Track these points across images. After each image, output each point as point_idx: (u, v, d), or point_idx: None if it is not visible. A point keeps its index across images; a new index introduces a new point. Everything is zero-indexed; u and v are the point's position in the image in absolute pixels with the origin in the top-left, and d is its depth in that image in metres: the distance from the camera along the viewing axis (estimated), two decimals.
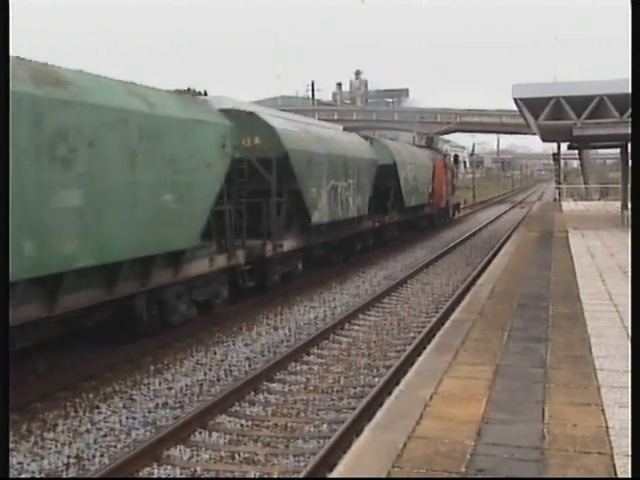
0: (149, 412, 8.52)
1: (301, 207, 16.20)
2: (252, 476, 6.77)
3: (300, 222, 16.45)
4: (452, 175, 39.27)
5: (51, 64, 8.90)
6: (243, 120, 14.41)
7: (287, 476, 6.76)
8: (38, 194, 7.96)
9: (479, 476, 4.70)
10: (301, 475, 6.48)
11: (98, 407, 8.62)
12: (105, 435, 7.81)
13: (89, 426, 8.03)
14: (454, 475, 4.68)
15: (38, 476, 6.86)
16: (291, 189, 15.71)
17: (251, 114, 15.58)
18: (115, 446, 7.53)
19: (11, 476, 6.64)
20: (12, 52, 5.56)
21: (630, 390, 5.39)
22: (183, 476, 6.85)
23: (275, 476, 6.79)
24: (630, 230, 6.66)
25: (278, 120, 16.56)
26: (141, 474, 6.86)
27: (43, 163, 8.04)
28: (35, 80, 8.08)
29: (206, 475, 6.85)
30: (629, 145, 32.00)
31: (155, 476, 6.88)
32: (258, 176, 14.73)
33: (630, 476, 4.47)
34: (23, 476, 6.82)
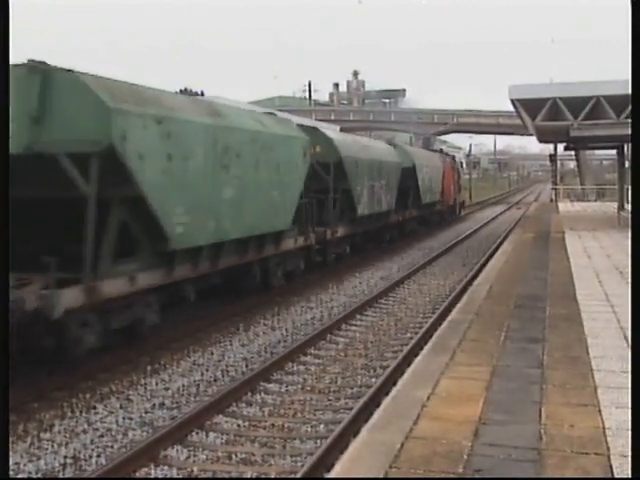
0: (146, 412, 8.51)
1: (350, 202, 19.82)
2: (249, 476, 6.77)
3: (349, 214, 20.07)
4: (458, 176, 43.00)
5: (212, 100, 13.90)
6: (309, 133, 17.13)
7: (284, 476, 6.77)
8: (215, 190, 11.67)
9: (476, 476, 4.70)
10: (298, 475, 6.48)
11: (95, 407, 8.61)
12: (102, 435, 7.80)
13: (86, 426, 8.02)
14: (451, 476, 4.69)
15: (35, 476, 6.85)
16: (343, 188, 19.25)
17: (315, 129, 19.20)
18: (112, 446, 7.52)
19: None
20: (12, 52, 5.54)
21: (630, 390, 5.40)
22: (180, 476, 6.86)
23: (272, 476, 6.79)
24: (630, 231, 6.67)
25: (333, 133, 20.79)
26: (138, 474, 6.85)
27: (217, 169, 11.70)
28: (210, 114, 11.85)
29: (203, 475, 6.85)
30: (626, 146, 32.12)
31: (152, 476, 6.88)
32: (318, 177, 17.91)
33: (630, 476, 4.48)
34: (20, 476, 6.82)
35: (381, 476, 4.72)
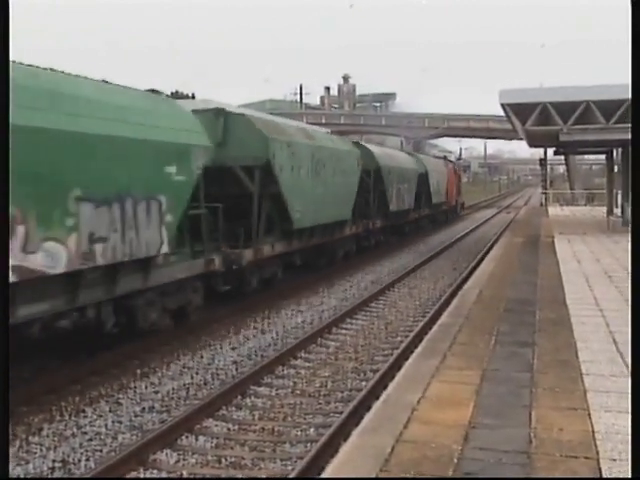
0: (135, 416, 8.49)
1: (384, 200, 24.94)
2: None
3: (382, 210, 25.02)
4: (459, 180, 48.34)
5: (306, 126, 21.35)
6: (357, 147, 22.94)
7: (278, 476, 6.76)
8: (313, 189, 17.09)
9: (467, 476, 4.71)
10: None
11: (84, 411, 8.57)
12: (91, 439, 7.77)
13: (75, 430, 7.99)
14: (443, 475, 4.69)
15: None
16: (379, 189, 24.42)
17: (359, 144, 24.72)
18: (101, 450, 7.49)
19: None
20: (12, 52, 5.53)
21: (630, 390, 5.41)
22: (182, 476, 6.84)
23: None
24: (630, 232, 6.69)
25: (374, 147, 26.71)
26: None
27: (313, 175, 17.17)
28: (308, 137, 17.70)
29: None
30: (615, 151, 32.28)
31: (152, 477, 6.86)
32: (363, 181, 22.55)
33: (630, 476, 4.50)
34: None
35: (374, 475, 4.72)
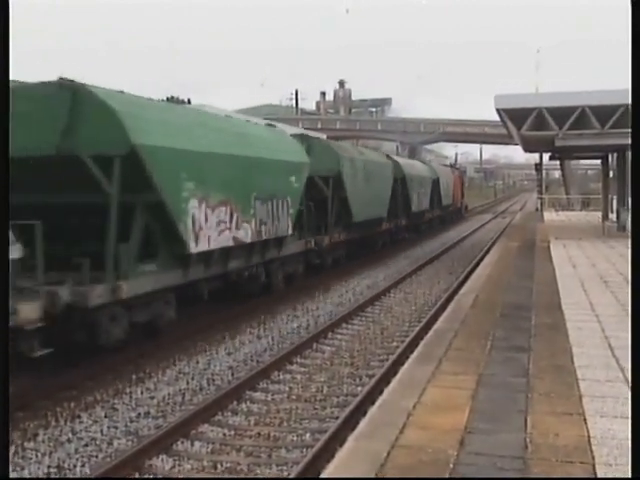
0: (131, 421, 8.47)
1: (408, 203, 30.20)
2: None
3: (406, 210, 30.16)
4: (462, 185, 55.48)
5: (355, 146, 32.42)
6: (389, 158, 28.76)
7: (279, 476, 6.76)
8: (365, 193, 22.43)
9: (467, 476, 4.72)
10: None
11: (79, 416, 8.56)
12: (86, 445, 7.76)
13: (70, 435, 7.97)
14: (442, 476, 4.70)
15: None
16: (404, 193, 29.54)
17: (389, 156, 29.76)
18: (96, 456, 7.48)
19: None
20: (12, 52, 5.53)
21: (630, 389, 5.40)
22: (181, 476, 6.84)
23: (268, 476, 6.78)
24: (630, 235, 6.69)
25: (400, 159, 32.82)
26: None
27: (365, 183, 22.58)
28: (360, 153, 24.26)
29: None
30: (610, 156, 32.35)
31: (152, 476, 6.85)
32: (393, 187, 26.97)
33: (630, 476, 4.51)
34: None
35: (372, 476, 4.73)
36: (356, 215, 21.48)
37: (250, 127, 15.80)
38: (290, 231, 15.94)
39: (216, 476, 7.01)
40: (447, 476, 4.80)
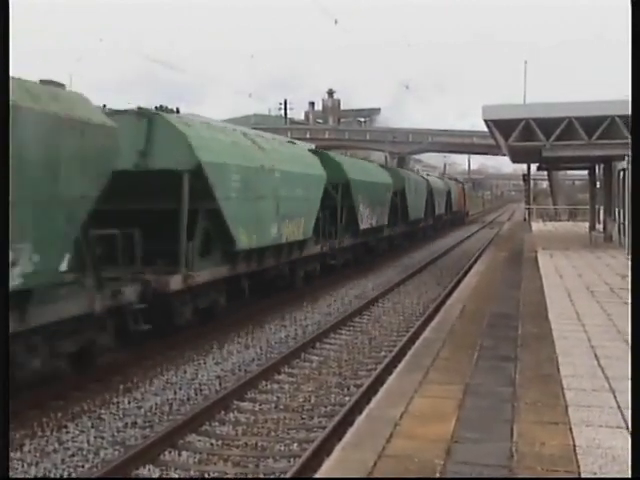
0: (118, 431, 8.44)
1: (433, 207, 40.66)
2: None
3: (431, 213, 40.29)
4: (464, 195, 67.48)
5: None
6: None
7: (274, 476, 6.76)
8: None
9: (463, 476, 4.74)
10: None
11: (66, 427, 8.52)
12: (73, 455, 7.72)
13: (56, 446, 7.94)
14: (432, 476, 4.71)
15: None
16: (431, 202, 39.94)
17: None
18: (83, 466, 7.45)
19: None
20: (12, 52, 5.53)
21: (630, 389, 5.42)
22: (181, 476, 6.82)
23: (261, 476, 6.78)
24: (631, 240, 6.76)
25: (431, 177, 45.25)
26: None
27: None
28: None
29: None
30: (597, 167, 32.55)
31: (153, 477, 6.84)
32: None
33: (630, 476, 4.54)
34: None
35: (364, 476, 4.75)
36: (410, 214, 32.22)
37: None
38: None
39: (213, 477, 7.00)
40: (437, 476, 4.82)
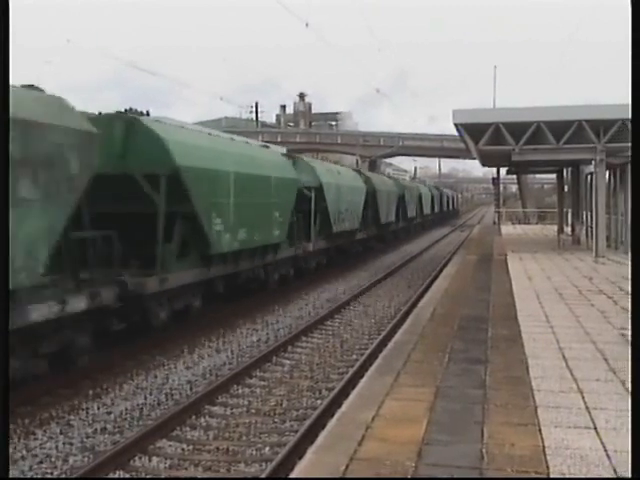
0: (87, 437, 8.36)
1: (441, 205, 68.28)
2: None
3: (440, 208, 66.64)
4: (455, 198, 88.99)
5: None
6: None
7: (254, 476, 6.73)
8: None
9: (436, 476, 4.76)
10: None
11: (34, 433, 8.41)
12: (41, 462, 7.63)
13: (24, 453, 7.83)
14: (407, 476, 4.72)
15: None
16: (440, 202, 66.50)
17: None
18: (51, 473, 7.36)
19: None
20: (12, 52, 5.47)
21: (630, 389, 5.46)
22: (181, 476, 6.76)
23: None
24: (630, 243, 6.80)
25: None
26: None
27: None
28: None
29: None
30: (565, 170, 32.92)
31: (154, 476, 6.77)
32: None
33: (630, 476, 4.58)
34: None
35: (338, 476, 4.75)
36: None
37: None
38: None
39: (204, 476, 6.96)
40: (409, 476, 4.83)
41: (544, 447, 5.55)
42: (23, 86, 9.22)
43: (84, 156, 9.55)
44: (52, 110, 9.21)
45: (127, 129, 12.39)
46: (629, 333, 6.83)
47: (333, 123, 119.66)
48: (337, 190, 24.45)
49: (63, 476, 7.24)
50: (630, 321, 6.55)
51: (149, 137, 12.37)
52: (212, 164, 13.89)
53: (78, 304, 9.89)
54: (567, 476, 4.99)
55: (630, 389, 5.79)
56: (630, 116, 6.18)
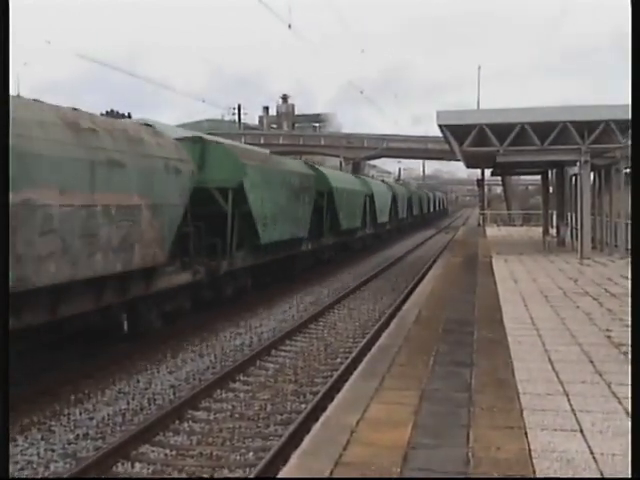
0: (69, 443, 8.25)
1: (441, 208, 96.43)
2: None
3: (432, 209, 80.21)
4: (445, 199, 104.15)
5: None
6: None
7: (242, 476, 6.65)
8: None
9: (421, 476, 4.70)
10: None
11: (15, 439, 8.28)
12: (22, 469, 7.52)
13: None
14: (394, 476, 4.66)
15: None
16: (440, 205, 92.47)
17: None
18: None
19: None
20: (12, 52, 5.39)
21: (630, 390, 5.42)
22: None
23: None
24: (631, 243, 6.78)
25: (435, 192, 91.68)
26: None
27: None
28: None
29: None
30: (549, 172, 33.02)
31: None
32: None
33: (630, 476, 4.54)
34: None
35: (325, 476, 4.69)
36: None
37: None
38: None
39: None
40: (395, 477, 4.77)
41: (530, 450, 5.51)
42: (140, 124, 12.62)
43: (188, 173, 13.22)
44: (169, 145, 12.86)
45: (202, 149, 15.70)
46: (629, 332, 6.78)
47: (317, 125, 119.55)
48: (344, 194, 28.42)
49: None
50: (630, 321, 6.53)
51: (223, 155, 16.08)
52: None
53: (187, 277, 13.78)
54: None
55: (630, 389, 5.74)
56: (630, 116, 6.15)
